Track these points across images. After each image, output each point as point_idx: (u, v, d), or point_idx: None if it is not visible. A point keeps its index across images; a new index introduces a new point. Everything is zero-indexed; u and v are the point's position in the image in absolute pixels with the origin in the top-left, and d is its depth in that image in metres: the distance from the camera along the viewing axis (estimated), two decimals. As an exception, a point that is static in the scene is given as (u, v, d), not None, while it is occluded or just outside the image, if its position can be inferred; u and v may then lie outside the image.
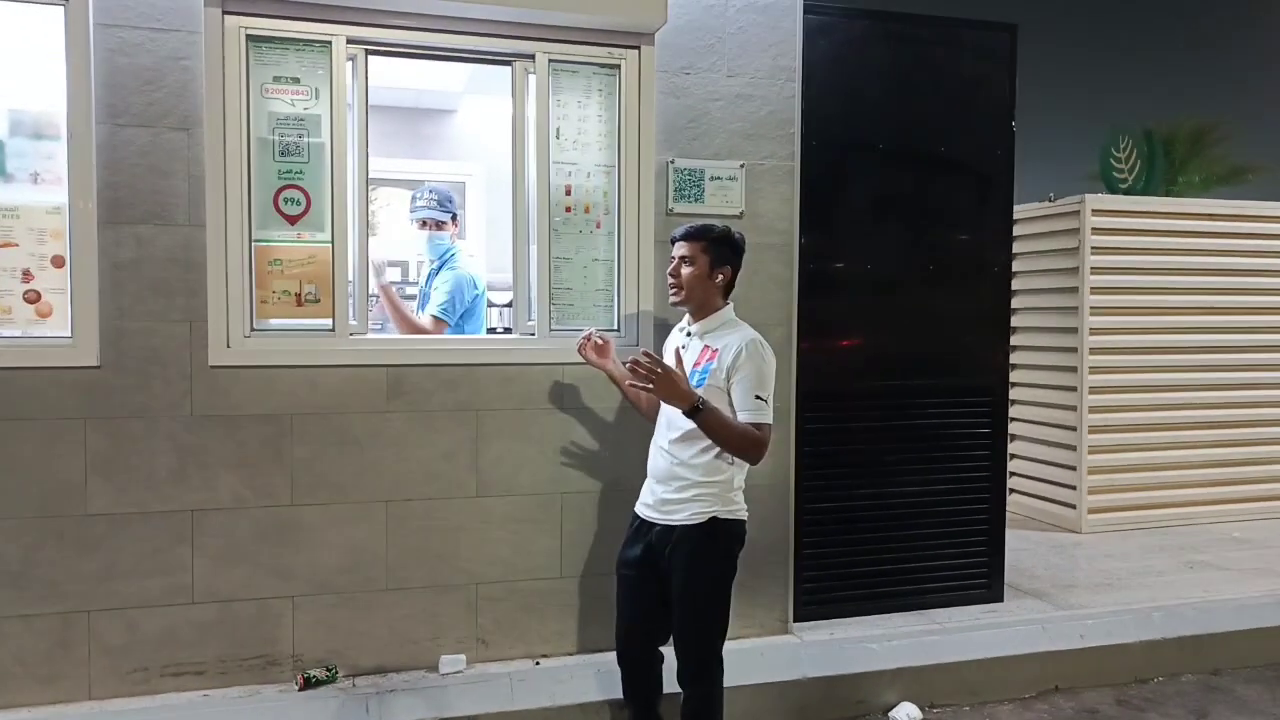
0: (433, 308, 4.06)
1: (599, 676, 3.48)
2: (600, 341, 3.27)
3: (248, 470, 3.35)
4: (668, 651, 3.00)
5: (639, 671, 3.03)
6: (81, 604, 3.22)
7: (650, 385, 2.67)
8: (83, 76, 3.17)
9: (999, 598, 4.48)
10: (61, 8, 3.16)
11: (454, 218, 4.29)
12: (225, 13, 3.28)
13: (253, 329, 3.38)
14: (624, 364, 2.80)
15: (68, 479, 3.20)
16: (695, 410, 2.69)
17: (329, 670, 3.40)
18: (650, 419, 3.15)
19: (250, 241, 3.37)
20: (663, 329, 3.59)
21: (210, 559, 3.33)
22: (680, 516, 2.83)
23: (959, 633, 4.06)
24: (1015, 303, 4.93)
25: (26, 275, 3.20)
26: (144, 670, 3.28)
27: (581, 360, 3.36)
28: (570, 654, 3.70)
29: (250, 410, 3.34)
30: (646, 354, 2.69)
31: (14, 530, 3.16)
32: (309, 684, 3.34)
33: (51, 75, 3.18)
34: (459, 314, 4.08)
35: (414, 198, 4.29)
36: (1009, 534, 4.64)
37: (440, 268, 4.23)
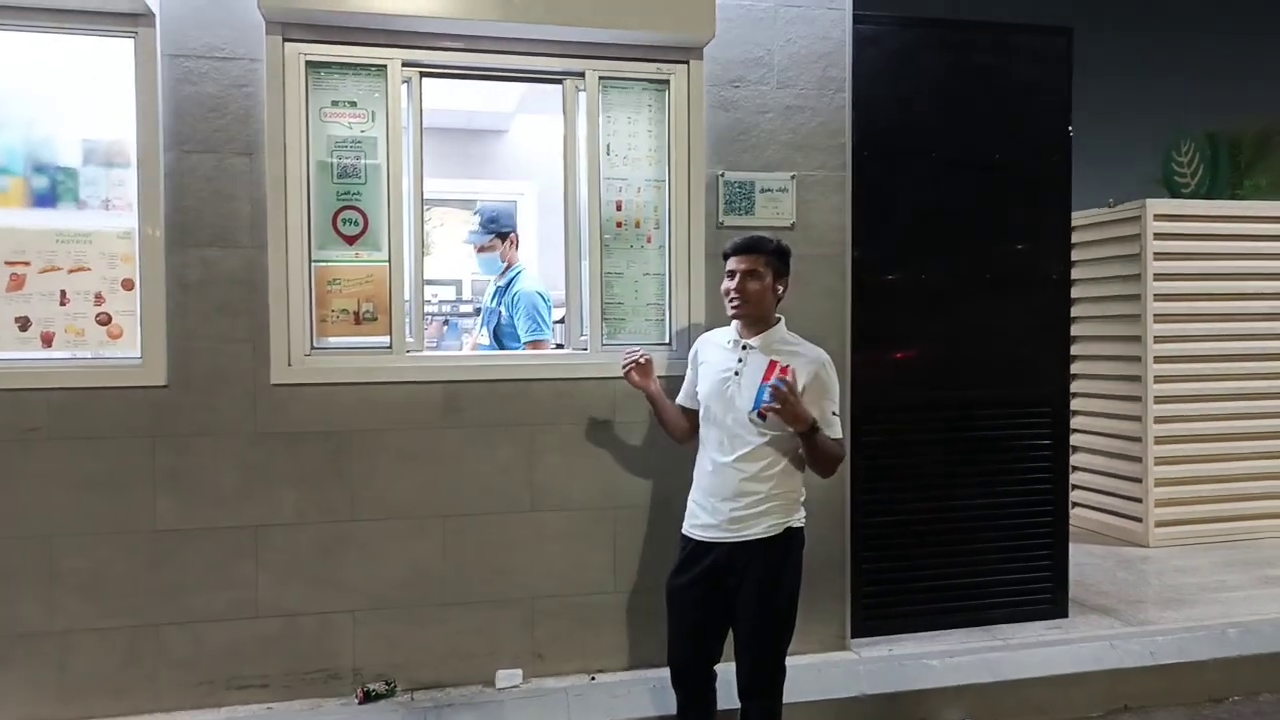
0: (525, 336, 4.16)
1: (653, 692, 3.46)
2: (644, 361, 3.27)
3: (309, 486, 3.42)
4: (719, 668, 2.98)
5: (699, 694, 2.99)
6: (150, 618, 3.31)
7: (779, 407, 2.68)
8: (151, 105, 3.29)
9: (1064, 613, 4.37)
10: (131, 39, 3.29)
11: (503, 236, 4.36)
12: (285, 40, 3.38)
13: (313, 347, 3.45)
14: (766, 388, 2.78)
15: (137, 495, 3.29)
16: (814, 430, 2.73)
17: (388, 684, 3.44)
18: (679, 438, 3.17)
19: (310, 262, 3.45)
20: (715, 342, 3.58)
21: (273, 574, 3.40)
22: (756, 531, 2.82)
23: (1023, 649, 3.96)
24: (1075, 311, 4.82)
25: (98, 298, 3.32)
26: (210, 683, 3.35)
27: None
28: (624, 669, 3.69)
29: (311, 427, 3.41)
30: (788, 382, 2.70)
31: (87, 545, 3.26)
32: (369, 698, 3.38)
33: (121, 105, 3.30)
34: (549, 325, 4.19)
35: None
36: (1072, 548, 4.52)
37: (507, 286, 4.30)
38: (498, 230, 4.35)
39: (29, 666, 3.23)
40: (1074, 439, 5.67)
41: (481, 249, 4.37)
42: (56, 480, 3.24)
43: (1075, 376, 5.77)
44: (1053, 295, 4.42)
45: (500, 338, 4.32)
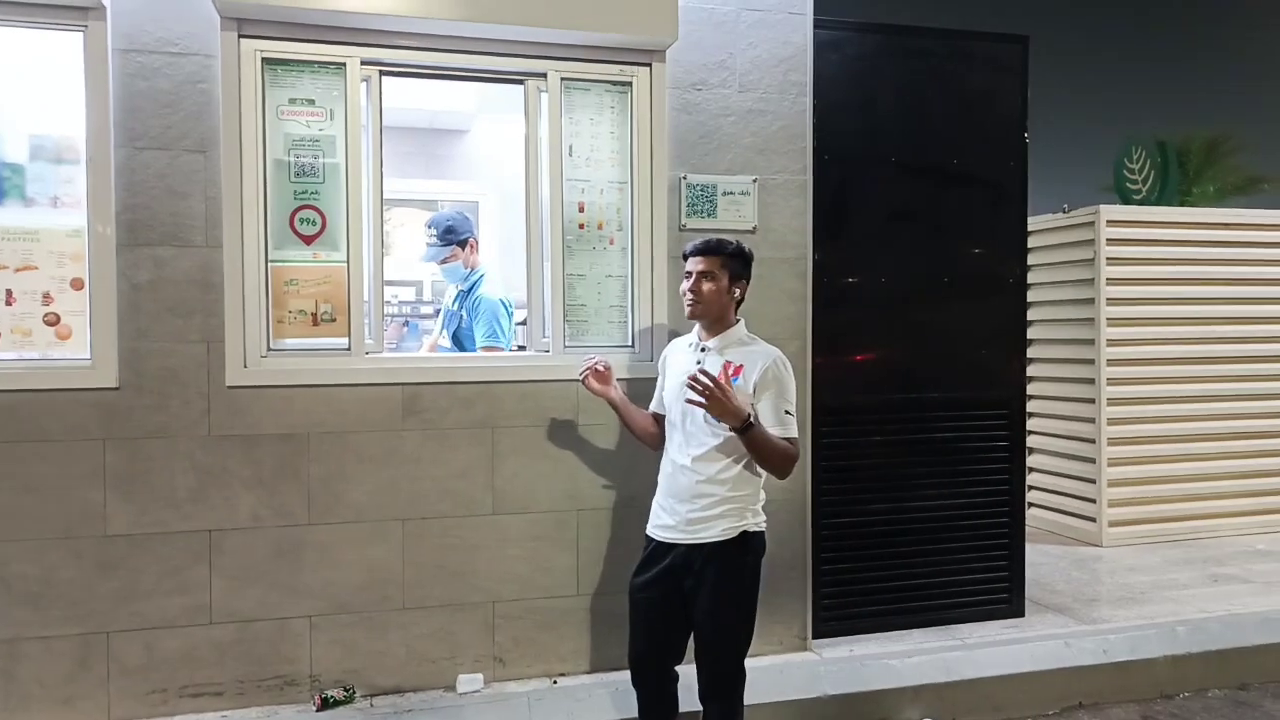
0: (481, 340, 4.13)
1: (616, 695, 3.45)
2: (602, 369, 3.26)
3: (265, 490, 3.36)
4: (683, 670, 2.98)
5: (657, 693, 3.00)
6: (101, 624, 3.23)
7: (704, 401, 2.66)
8: (101, 101, 3.21)
9: (1020, 613, 4.43)
10: (81, 33, 3.21)
11: (463, 243, 4.32)
12: (241, 36, 3.32)
13: (269, 349, 3.40)
14: (686, 383, 2.75)
15: (87, 499, 3.21)
16: (748, 426, 2.69)
17: (347, 691, 3.39)
18: (651, 445, 3.16)
19: (267, 262, 3.39)
20: (677, 344, 3.58)
21: (228, 579, 3.33)
22: (710, 534, 2.81)
23: (981, 648, 4.01)
24: (1031, 314, 4.91)
25: (46, 298, 3.24)
26: (163, 691, 3.28)
27: None
28: (587, 672, 3.68)
29: (268, 430, 3.36)
30: (704, 373, 2.69)
31: (34, 550, 3.18)
32: (327, 705, 3.33)
33: (71, 100, 3.22)
34: (508, 333, 4.16)
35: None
36: (1028, 548, 4.59)
37: (469, 292, 4.27)
38: (455, 240, 4.30)
39: (-28, 677, 3.14)
40: (1030, 440, 5.77)
41: (444, 261, 4.34)
42: (3, 484, 3.15)
43: (1031, 378, 5.87)
44: (1009, 298, 4.48)
45: (460, 340, 4.29)
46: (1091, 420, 5.95)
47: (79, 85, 3.22)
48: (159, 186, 3.27)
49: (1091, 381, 5.94)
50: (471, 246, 4.38)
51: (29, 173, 3.29)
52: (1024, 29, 4.65)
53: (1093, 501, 5.98)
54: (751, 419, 2.71)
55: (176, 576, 3.29)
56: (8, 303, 3.20)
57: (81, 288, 3.25)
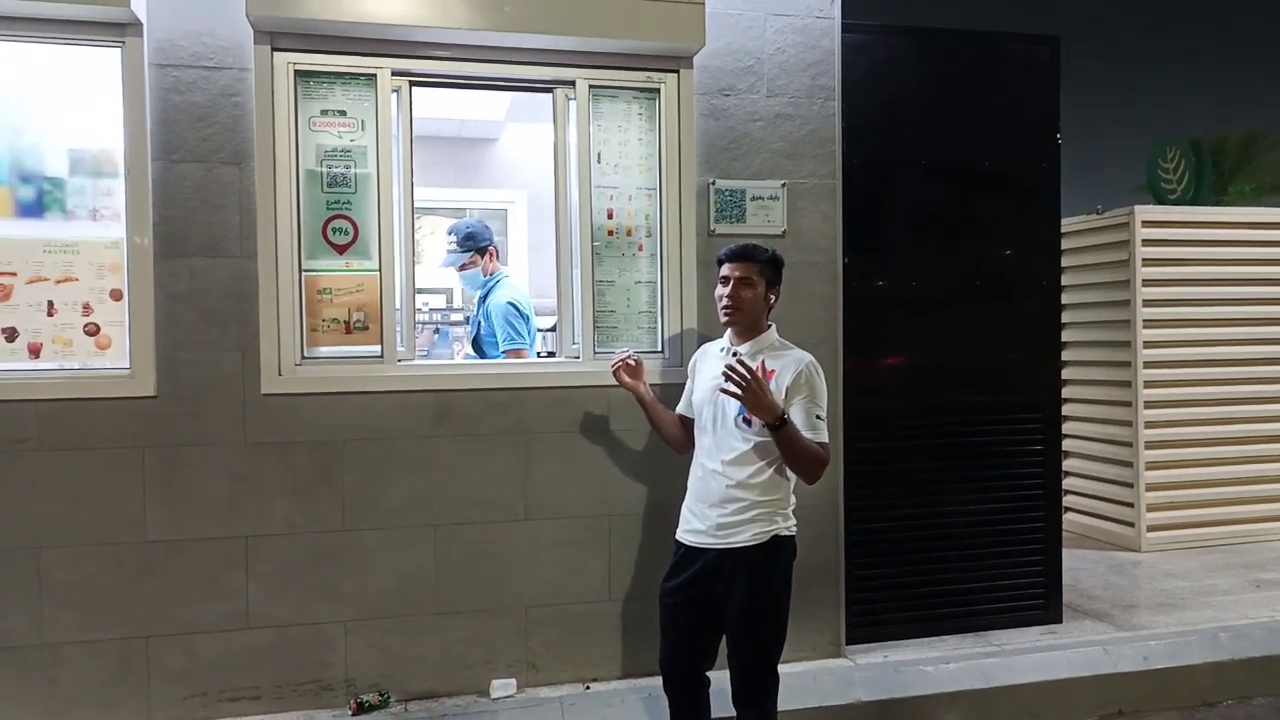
0: (503, 345, 4.18)
1: (648, 702, 3.45)
2: (633, 363, 3.27)
3: (300, 496, 3.40)
4: (715, 676, 2.97)
5: (689, 699, 2.99)
6: (141, 629, 3.28)
7: (740, 392, 2.65)
8: (138, 115, 3.27)
9: (1057, 619, 4.37)
10: (118, 49, 3.28)
11: (482, 250, 4.38)
12: (274, 49, 3.37)
13: (303, 357, 3.44)
14: (722, 369, 2.74)
15: (127, 506, 3.27)
16: (781, 423, 2.68)
17: (382, 695, 3.42)
18: (678, 448, 3.15)
19: (300, 271, 3.43)
20: (707, 349, 3.58)
21: (264, 584, 3.37)
22: (742, 538, 2.80)
23: (1017, 655, 3.96)
24: (1066, 317, 4.85)
25: (86, 309, 3.30)
26: (202, 695, 3.32)
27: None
28: (619, 678, 3.68)
29: (302, 437, 3.39)
30: (741, 361, 2.68)
31: (76, 556, 3.23)
32: (362, 709, 3.36)
33: (109, 114, 3.29)
34: (526, 333, 4.19)
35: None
36: (1065, 553, 4.53)
37: (485, 296, 4.32)
38: (474, 247, 4.37)
39: (17, 680, 3.19)
40: (1065, 444, 5.70)
41: (462, 267, 4.41)
42: (45, 492, 3.21)
43: (1066, 382, 5.79)
44: (1043, 301, 4.44)
45: (480, 346, 4.33)
46: (1129, 423, 5.86)
47: (116, 100, 3.28)
48: (195, 198, 3.33)
49: (1128, 384, 5.85)
50: (491, 254, 4.43)
51: (69, 186, 3.35)
52: (1054, 29, 4.61)
53: (1130, 506, 5.89)
54: (785, 415, 2.70)
55: (214, 582, 3.33)
56: (49, 313, 3.27)
57: (120, 298, 3.30)
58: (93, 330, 3.30)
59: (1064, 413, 4.90)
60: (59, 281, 3.27)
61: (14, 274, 3.24)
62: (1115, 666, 3.94)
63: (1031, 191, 4.41)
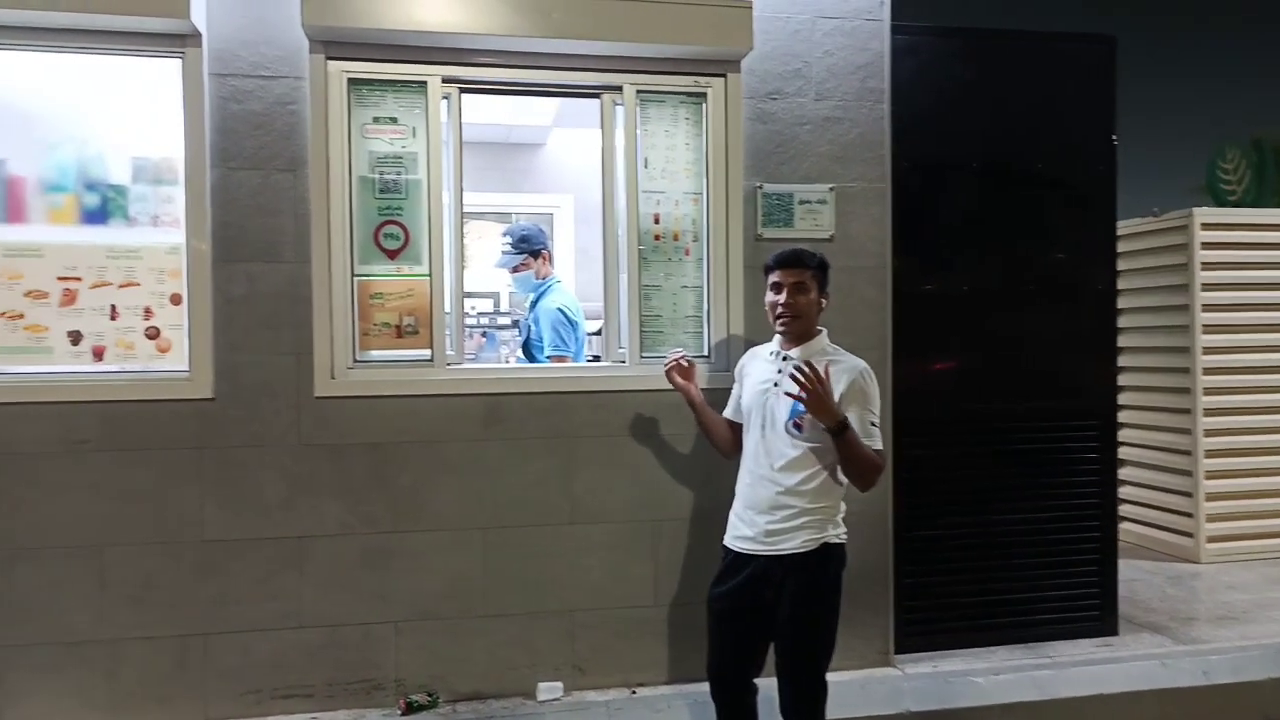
0: (547, 350, 4.20)
1: (694, 707, 3.44)
2: (686, 364, 3.27)
3: (352, 498, 3.45)
4: (763, 684, 2.95)
5: (736, 705, 2.97)
6: (198, 627, 3.35)
7: (805, 396, 2.64)
8: (198, 123, 3.35)
9: (1113, 631, 4.27)
10: (179, 59, 3.36)
11: (535, 253, 4.41)
12: (329, 58, 3.43)
13: (355, 360, 3.49)
14: (789, 373, 2.74)
15: (185, 506, 3.34)
16: (843, 428, 2.67)
17: (430, 696, 3.45)
18: (725, 452, 3.14)
19: (353, 276, 3.49)
20: (754, 354, 3.57)
21: (317, 584, 3.43)
22: (791, 545, 2.78)
23: (1072, 667, 3.87)
24: (1122, 322, 4.74)
25: (148, 313, 3.39)
26: (256, 692, 3.38)
27: (670, 386, 3.35)
28: (665, 683, 3.67)
29: (353, 439, 3.45)
30: (809, 364, 2.66)
31: (135, 555, 3.32)
32: (411, 709, 3.40)
33: (169, 123, 3.37)
34: (573, 340, 4.21)
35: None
36: (1121, 564, 4.42)
37: (537, 300, 4.35)
38: (529, 249, 4.40)
39: (79, 674, 3.29)
40: (1122, 452, 5.56)
41: (515, 269, 4.44)
42: (106, 491, 3.30)
43: (1123, 388, 5.66)
44: (1098, 306, 4.34)
45: (529, 350, 4.37)
46: (1187, 431, 5.71)
47: (177, 109, 3.36)
48: (251, 205, 3.40)
49: (1187, 391, 5.70)
50: (544, 258, 4.45)
51: (131, 193, 3.45)
52: (1110, 27, 4.51)
53: (1189, 516, 5.73)
54: (846, 420, 2.68)
55: (269, 582, 3.40)
56: (112, 317, 3.36)
57: (180, 302, 3.39)
58: (153, 334, 3.39)
59: (1120, 420, 4.79)
60: (121, 286, 3.37)
61: (79, 279, 3.34)
62: (1174, 681, 3.84)
63: (1086, 194, 4.32)
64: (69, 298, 3.33)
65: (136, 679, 3.32)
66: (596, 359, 4.15)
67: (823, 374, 2.68)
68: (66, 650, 3.28)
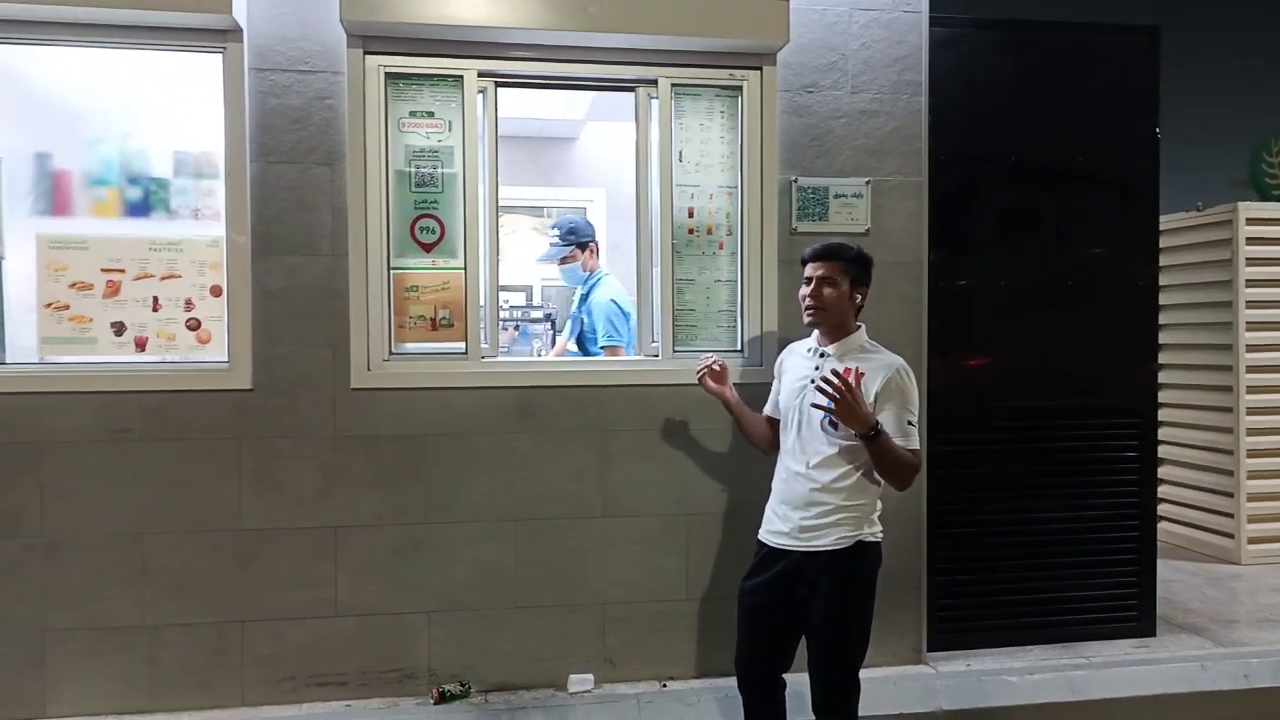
0: (601, 341, 4.22)
1: (724, 702, 3.44)
2: (719, 368, 3.25)
3: (386, 489, 3.48)
4: (795, 679, 2.94)
5: (764, 699, 2.96)
6: (235, 614, 3.40)
7: (834, 405, 2.63)
8: (238, 118, 3.39)
9: (1151, 632, 4.21)
10: (220, 54, 3.40)
11: (583, 245, 4.42)
12: (366, 53, 3.46)
13: (391, 353, 3.52)
14: (813, 384, 2.73)
15: (223, 496, 3.39)
16: (875, 433, 2.65)
17: (463, 685, 3.48)
18: (765, 450, 3.12)
19: (389, 269, 3.52)
20: (788, 349, 3.55)
21: (352, 574, 3.47)
22: (825, 542, 2.77)
23: (1108, 668, 3.82)
24: (1163, 319, 4.65)
25: (188, 304, 3.44)
26: (292, 679, 3.43)
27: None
28: (695, 677, 3.67)
29: (388, 431, 3.48)
30: (835, 374, 2.65)
31: (175, 543, 3.37)
32: (444, 698, 3.43)
33: (210, 117, 3.42)
34: (626, 331, 4.21)
35: None
36: (1160, 564, 4.36)
37: (588, 293, 4.38)
38: (576, 241, 4.43)
39: (121, 659, 3.35)
40: (1162, 450, 5.47)
41: (563, 261, 4.46)
42: (147, 480, 3.35)
43: (1163, 386, 5.56)
44: (1139, 302, 4.28)
45: (584, 344, 4.39)
46: (1229, 430, 5.61)
47: (218, 104, 3.40)
48: (290, 198, 3.43)
49: (1229, 389, 5.59)
50: (591, 250, 4.47)
51: (173, 187, 3.51)
52: (1148, 14, 4.43)
53: (1230, 516, 5.63)
54: (879, 426, 2.66)
55: (304, 571, 3.44)
56: (154, 308, 3.42)
57: (220, 294, 3.43)
58: (194, 325, 3.44)
59: (1160, 418, 4.71)
60: (163, 278, 3.42)
61: (122, 270, 3.40)
62: (1214, 684, 3.78)
63: (1128, 188, 4.25)
64: (113, 289, 3.39)
65: (176, 665, 3.38)
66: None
67: (853, 380, 2.67)
68: (108, 635, 3.34)
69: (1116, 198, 4.25)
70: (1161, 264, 4.45)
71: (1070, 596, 4.16)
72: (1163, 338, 5.29)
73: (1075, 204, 4.22)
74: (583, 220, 4.58)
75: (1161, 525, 5.27)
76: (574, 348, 4.50)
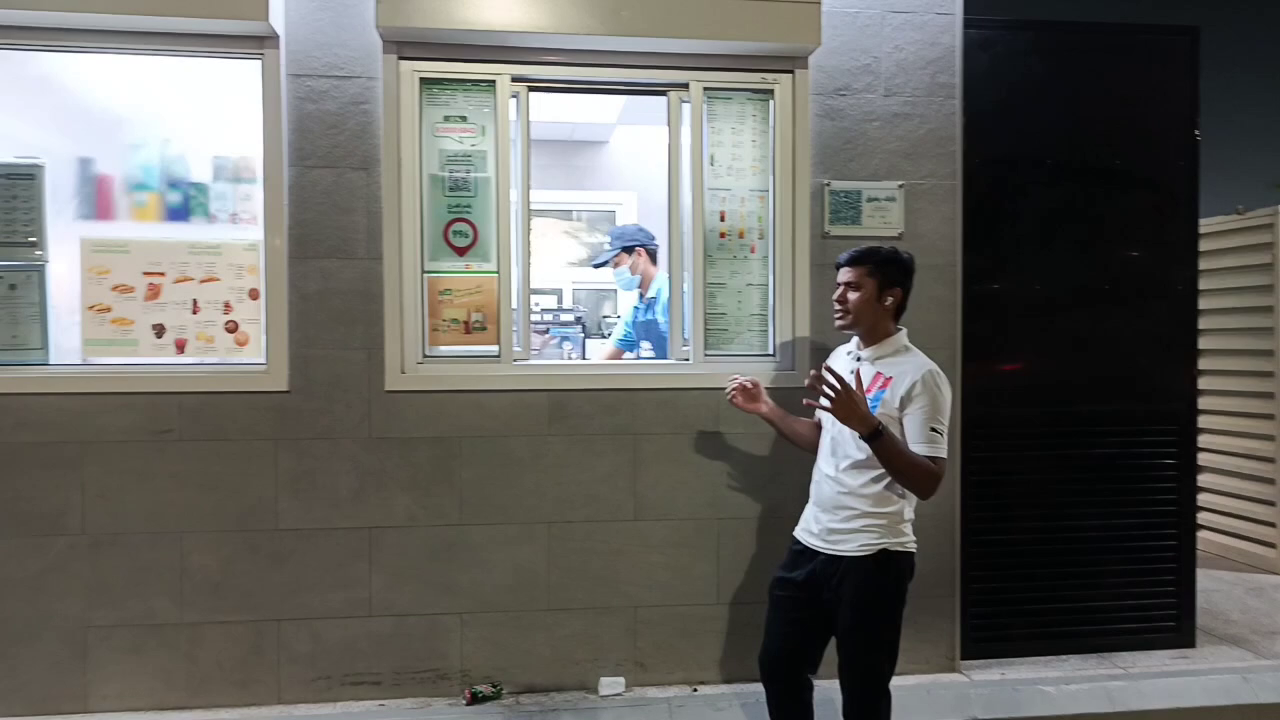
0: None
1: (755, 708, 3.42)
2: (749, 385, 3.22)
3: (420, 490, 3.51)
4: (825, 685, 2.92)
5: (787, 696, 2.92)
6: (272, 613, 3.45)
7: (829, 405, 2.61)
8: (275, 123, 3.44)
9: (1190, 643, 4.14)
10: (258, 61, 3.45)
11: (628, 250, 4.51)
12: (401, 58, 3.50)
13: (425, 356, 3.55)
14: (806, 382, 2.72)
15: (261, 496, 3.44)
16: (875, 435, 2.60)
17: (495, 687, 3.50)
18: (813, 451, 3.09)
19: (423, 273, 3.55)
20: (819, 354, 3.54)
21: (386, 575, 3.50)
22: (848, 547, 2.74)
23: (1146, 679, 3.76)
24: (1203, 323, 4.57)
25: (227, 307, 3.49)
26: (327, 678, 3.47)
27: None
28: (727, 682, 3.66)
29: (422, 433, 3.50)
30: (829, 369, 2.62)
31: (214, 543, 3.42)
32: (476, 699, 3.45)
33: (248, 123, 3.47)
34: None
35: None
36: (1199, 573, 4.28)
37: (653, 303, 4.46)
38: (621, 245, 4.52)
39: (161, 656, 3.40)
40: (1201, 457, 5.38)
41: (614, 265, 4.58)
42: (187, 480, 3.41)
43: (1202, 392, 5.48)
44: (1177, 306, 4.21)
45: (660, 346, 4.44)
46: (1271, 438, 5.49)
47: (255, 109, 3.45)
48: (326, 203, 3.48)
49: (1271, 396, 5.49)
50: (639, 253, 4.55)
51: (212, 191, 3.56)
52: (1187, 14, 4.36)
53: (1271, 525, 5.51)
54: (880, 428, 2.60)
55: (339, 571, 3.47)
56: (193, 311, 3.47)
57: (257, 297, 3.48)
58: (232, 327, 3.49)
59: (1200, 425, 4.63)
60: (202, 281, 3.47)
61: (163, 274, 3.46)
62: (1256, 696, 3.70)
63: (1166, 190, 4.19)
64: (153, 292, 3.45)
65: (214, 662, 3.43)
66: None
67: (871, 387, 2.64)
68: (149, 632, 3.40)
69: (1155, 200, 4.19)
70: (1201, 267, 4.37)
71: (1107, 605, 4.09)
72: (1202, 343, 5.21)
73: (1112, 207, 4.16)
74: (633, 226, 4.66)
75: (1201, 534, 5.20)
76: (648, 350, 4.53)
